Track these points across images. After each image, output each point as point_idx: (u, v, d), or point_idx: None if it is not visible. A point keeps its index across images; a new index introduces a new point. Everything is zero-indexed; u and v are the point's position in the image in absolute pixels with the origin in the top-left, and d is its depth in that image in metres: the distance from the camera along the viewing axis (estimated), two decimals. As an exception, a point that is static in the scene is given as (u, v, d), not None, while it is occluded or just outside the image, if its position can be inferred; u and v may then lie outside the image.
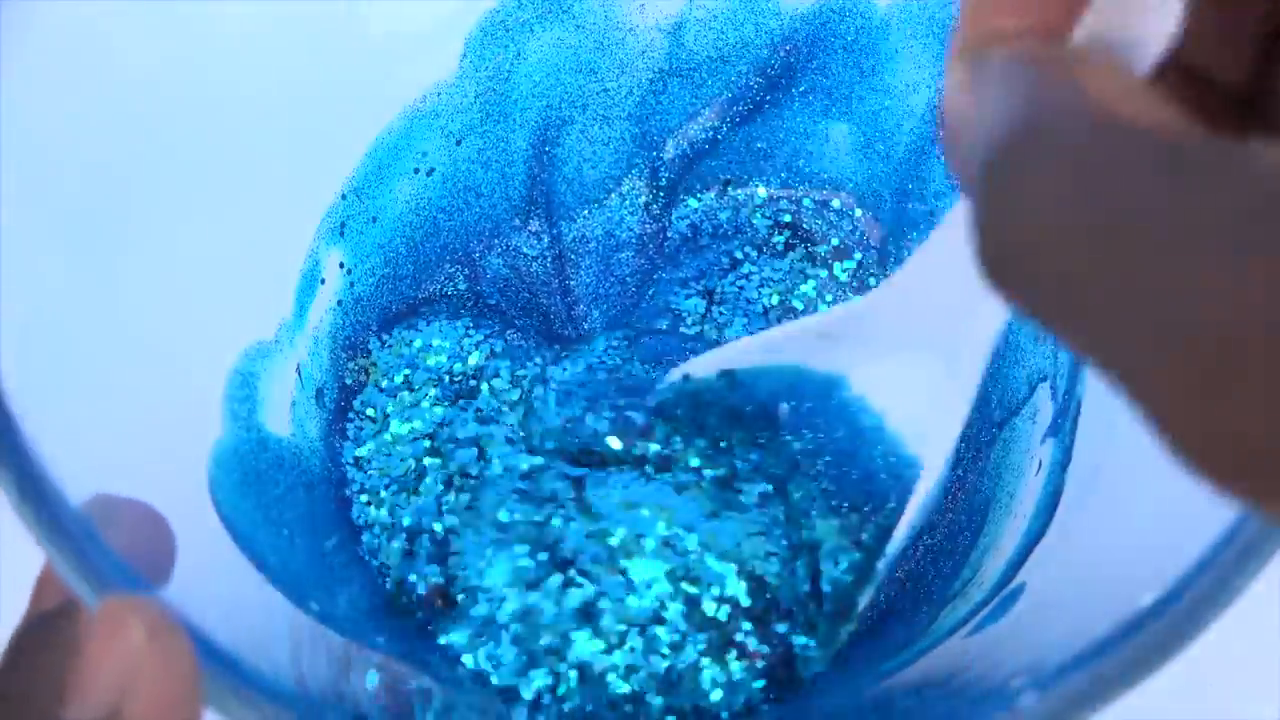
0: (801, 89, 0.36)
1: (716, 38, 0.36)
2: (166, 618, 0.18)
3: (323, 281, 0.33)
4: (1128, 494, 0.26)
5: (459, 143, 0.35)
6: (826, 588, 0.30)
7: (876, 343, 0.28)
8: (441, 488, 0.33)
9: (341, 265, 0.34)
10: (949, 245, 0.24)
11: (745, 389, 0.31)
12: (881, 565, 0.29)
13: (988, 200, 0.16)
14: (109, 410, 0.24)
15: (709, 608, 0.31)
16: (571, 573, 0.31)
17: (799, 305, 0.37)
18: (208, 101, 0.28)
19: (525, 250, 0.37)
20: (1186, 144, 0.14)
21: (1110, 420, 0.28)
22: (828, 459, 0.30)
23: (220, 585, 0.24)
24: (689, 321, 0.37)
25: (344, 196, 0.33)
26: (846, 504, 0.30)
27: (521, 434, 0.34)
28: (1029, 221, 0.15)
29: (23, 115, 0.23)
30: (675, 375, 0.32)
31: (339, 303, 0.34)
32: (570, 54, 0.35)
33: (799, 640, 0.30)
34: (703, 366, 0.31)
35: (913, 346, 0.27)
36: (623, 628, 0.31)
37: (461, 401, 0.35)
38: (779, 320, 0.37)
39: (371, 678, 0.27)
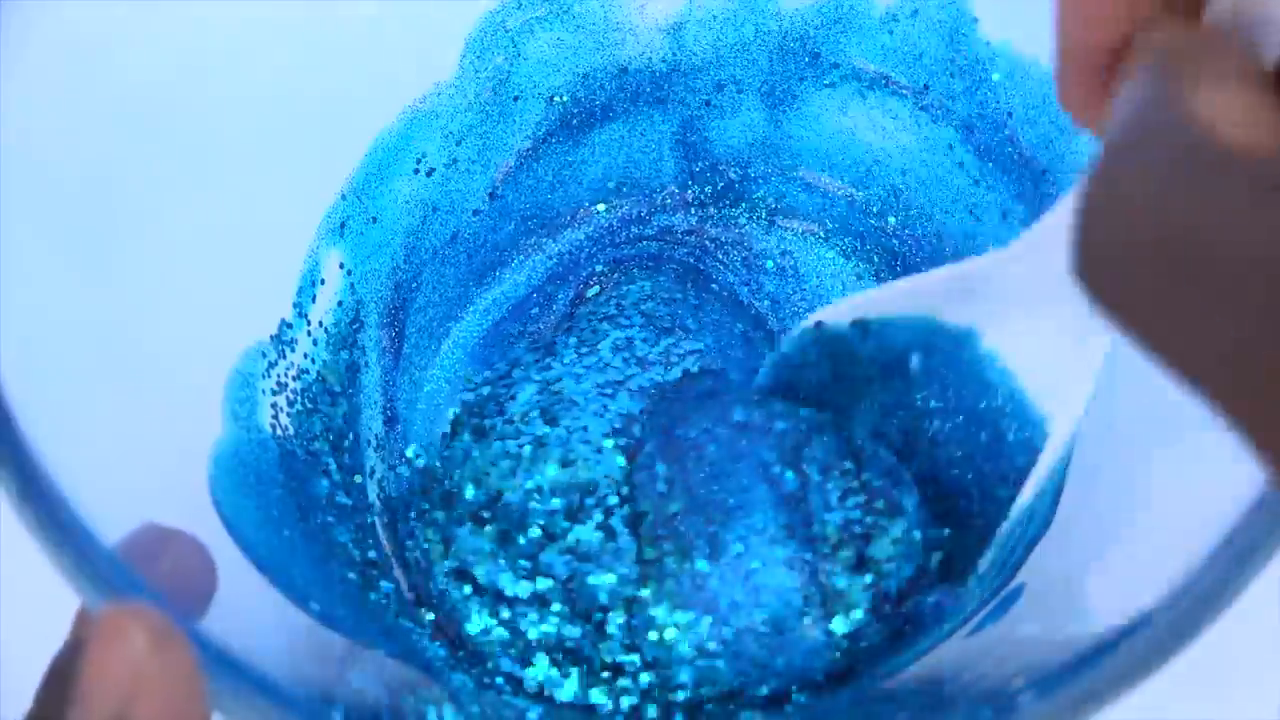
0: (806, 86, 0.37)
1: (716, 38, 0.36)
2: (168, 623, 0.18)
3: (323, 282, 0.33)
4: (1128, 494, 0.26)
5: (459, 143, 0.35)
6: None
7: (1011, 298, 0.27)
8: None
9: (341, 265, 0.34)
10: None
11: (877, 338, 0.30)
12: (1005, 527, 0.28)
13: (1083, 203, 0.16)
14: (109, 410, 0.24)
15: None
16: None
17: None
18: (207, 102, 0.28)
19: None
20: None
21: (1110, 420, 0.29)
22: (959, 419, 0.30)
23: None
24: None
25: (344, 196, 0.33)
26: (973, 467, 0.30)
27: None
28: (1119, 236, 0.15)
29: (23, 116, 0.23)
30: (809, 322, 0.32)
31: (339, 303, 0.34)
32: (570, 54, 0.35)
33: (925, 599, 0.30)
34: (835, 314, 0.31)
35: (1047, 303, 0.26)
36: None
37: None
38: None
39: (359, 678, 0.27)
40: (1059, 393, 0.27)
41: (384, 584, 0.32)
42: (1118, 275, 0.15)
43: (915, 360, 0.30)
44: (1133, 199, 0.15)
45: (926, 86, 0.35)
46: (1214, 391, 0.14)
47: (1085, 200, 0.15)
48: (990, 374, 0.29)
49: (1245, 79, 0.16)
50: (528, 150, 0.36)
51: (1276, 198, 0.14)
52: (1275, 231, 0.13)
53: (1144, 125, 0.15)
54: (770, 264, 0.38)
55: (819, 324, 0.32)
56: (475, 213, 0.36)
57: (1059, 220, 0.25)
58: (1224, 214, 0.14)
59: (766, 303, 0.37)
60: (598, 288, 0.37)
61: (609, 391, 0.35)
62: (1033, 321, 0.27)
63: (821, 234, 0.38)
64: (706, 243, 0.38)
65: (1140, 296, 0.15)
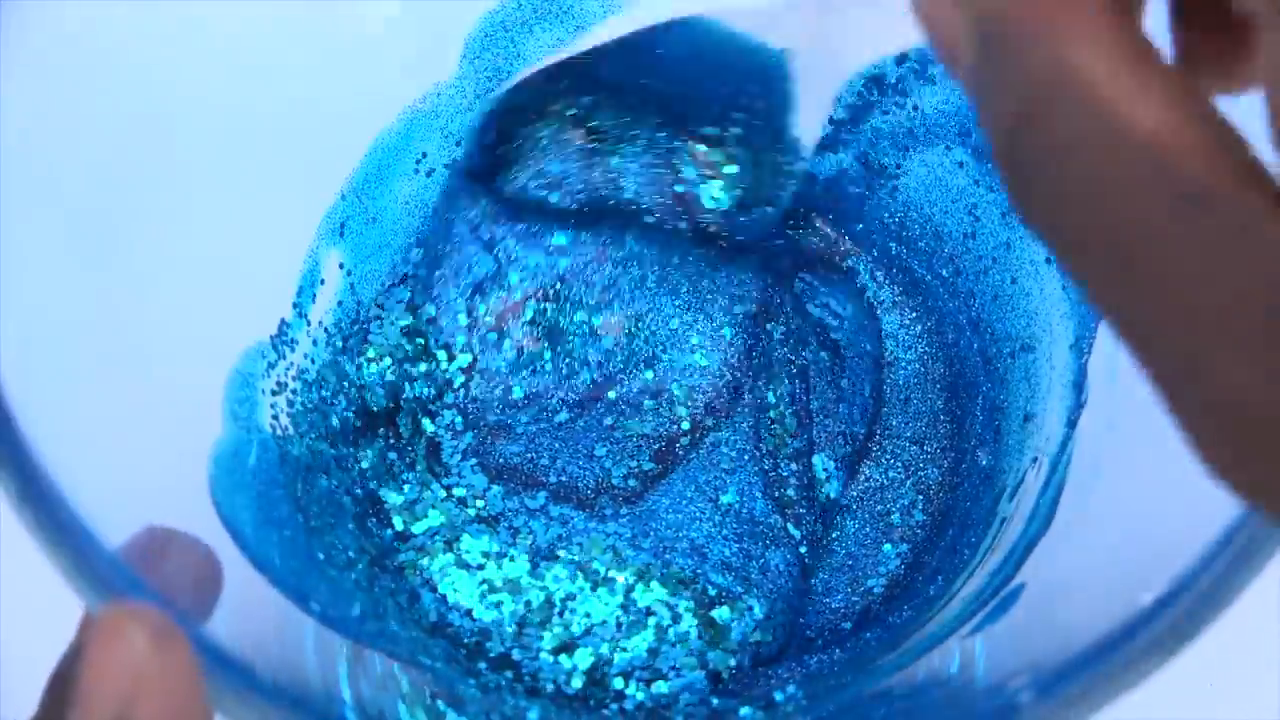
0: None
1: (716, 38, 0.36)
2: (169, 623, 0.18)
3: (323, 282, 0.33)
4: (1128, 494, 0.26)
5: (459, 143, 0.35)
6: None
7: None
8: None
9: (341, 265, 0.34)
10: None
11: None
12: None
13: (1008, 160, 0.15)
14: (109, 411, 0.24)
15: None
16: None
17: None
18: (207, 101, 0.28)
19: None
20: (1212, 194, 0.14)
21: (1110, 420, 0.29)
22: None
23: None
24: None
25: (344, 196, 0.33)
26: None
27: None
28: (1048, 192, 0.15)
29: (23, 116, 0.23)
30: None
31: (339, 303, 0.34)
32: (570, 54, 0.35)
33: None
34: None
35: None
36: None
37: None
38: None
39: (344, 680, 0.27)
40: None
41: (384, 583, 0.32)
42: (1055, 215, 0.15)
43: None
44: (1054, 170, 0.15)
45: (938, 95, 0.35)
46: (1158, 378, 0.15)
47: (1008, 160, 0.15)
48: None
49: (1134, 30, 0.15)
50: (528, 150, 0.36)
51: (1212, 224, 0.14)
52: (1208, 262, 0.14)
53: (1040, 91, 0.15)
54: None
55: None
56: (475, 213, 0.36)
57: None
58: (1151, 219, 0.14)
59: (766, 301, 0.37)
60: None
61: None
62: None
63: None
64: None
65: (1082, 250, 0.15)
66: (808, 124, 0.27)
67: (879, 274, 0.36)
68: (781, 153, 0.28)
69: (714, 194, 0.31)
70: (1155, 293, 0.14)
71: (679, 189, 0.30)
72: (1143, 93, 0.14)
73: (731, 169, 0.30)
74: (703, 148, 0.30)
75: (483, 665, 0.32)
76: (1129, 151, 0.14)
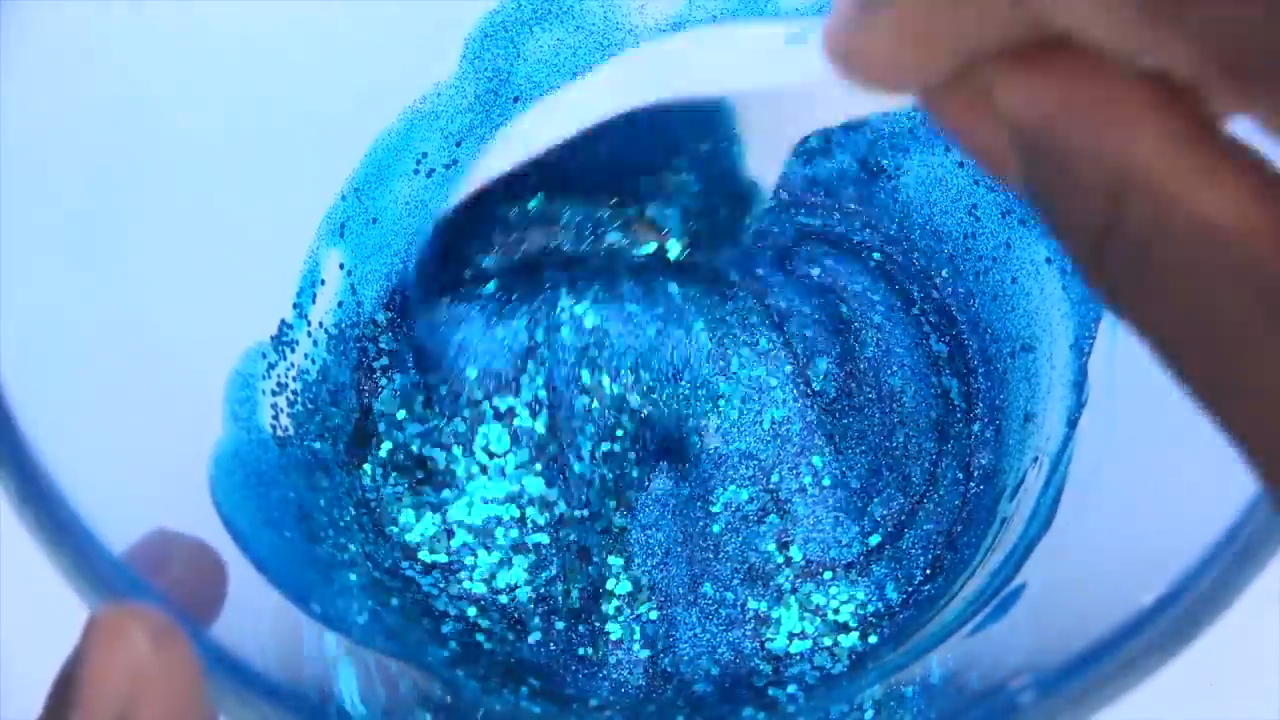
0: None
1: (716, 38, 0.36)
2: (169, 623, 0.18)
3: (323, 282, 0.33)
4: (1128, 494, 0.26)
5: (459, 143, 0.35)
6: None
7: None
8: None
9: (341, 266, 0.34)
10: None
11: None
12: None
13: (1098, 274, 0.15)
14: (110, 411, 0.24)
15: None
16: None
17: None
18: (207, 101, 0.28)
19: None
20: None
21: (1110, 420, 0.29)
22: None
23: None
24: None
25: (344, 197, 0.33)
26: None
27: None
28: (1143, 299, 0.15)
29: (23, 115, 0.23)
30: None
31: (339, 304, 0.34)
32: (570, 54, 0.35)
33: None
34: None
35: None
36: None
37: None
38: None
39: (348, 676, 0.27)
40: None
41: (384, 583, 0.32)
42: None
43: None
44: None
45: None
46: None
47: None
48: None
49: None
50: (528, 150, 0.36)
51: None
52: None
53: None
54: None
55: None
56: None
57: None
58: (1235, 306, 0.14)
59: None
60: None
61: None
62: None
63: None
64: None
65: None
66: (760, 167, 0.27)
67: (878, 275, 0.37)
68: (737, 195, 0.28)
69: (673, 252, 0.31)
70: (1248, 390, 0.14)
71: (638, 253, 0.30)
72: (1213, 183, 0.14)
73: (681, 227, 0.30)
74: (651, 212, 0.30)
75: (483, 665, 0.32)
76: (1213, 248, 0.14)
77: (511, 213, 0.29)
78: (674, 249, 0.29)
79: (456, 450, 0.34)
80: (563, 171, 0.27)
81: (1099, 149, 0.14)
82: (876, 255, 0.36)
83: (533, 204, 0.29)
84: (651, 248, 0.29)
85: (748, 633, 0.33)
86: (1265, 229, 0.13)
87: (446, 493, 0.34)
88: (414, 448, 0.34)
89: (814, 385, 0.35)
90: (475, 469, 0.34)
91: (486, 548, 0.33)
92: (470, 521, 0.33)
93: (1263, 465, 0.14)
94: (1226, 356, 0.14)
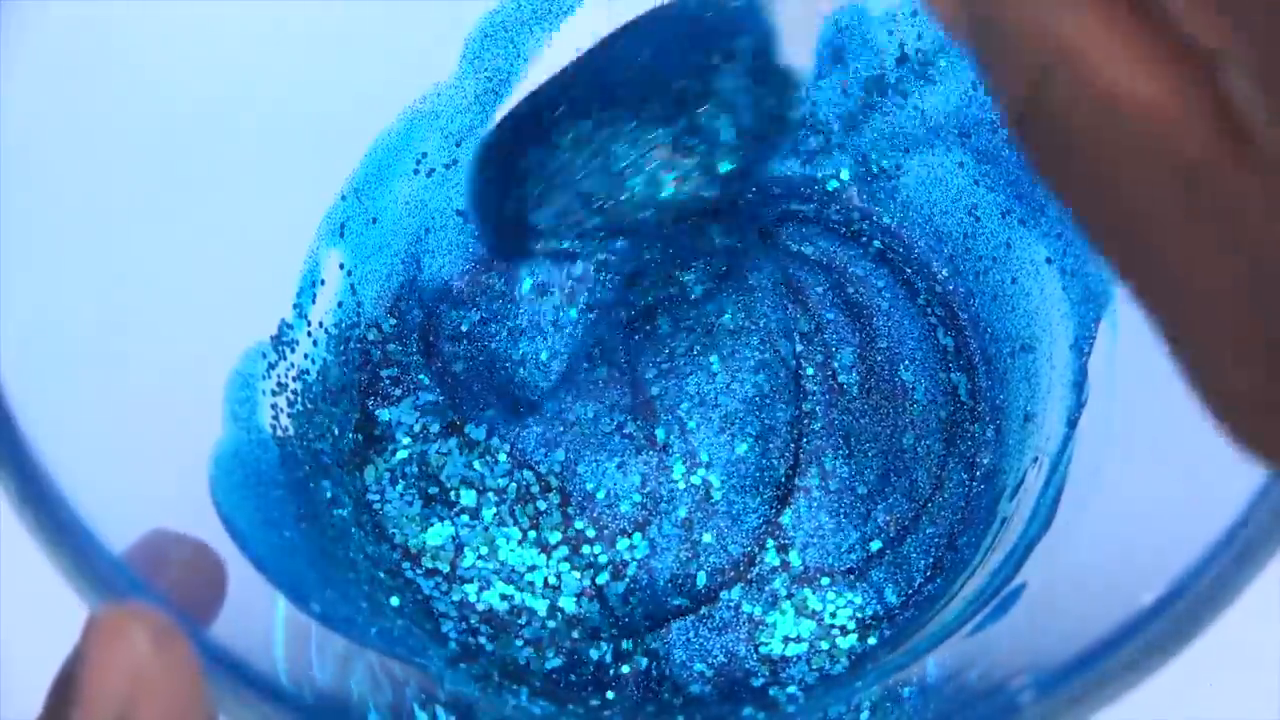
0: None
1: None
2: (169, 623, 0.18)
3: (323, 282, 0.33)
4: (1128, 494, 0.26)
5: (459, 143, 0.35)
6: None
7: None
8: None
9: (341, 266, 0.34)
10: None
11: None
12: None
13: (1021, 137, 0.15)
14: (110, 411, 0.24)
15: None
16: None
17: None
18: (207, 101, 0.28)
19: None
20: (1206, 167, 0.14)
21: (1110, 420, 0.29)
22: None
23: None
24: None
25: (344, 197, 0.33)
26: None
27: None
28: (1063, 168, 0.15)
29: (23, 115, 0.23)
30: None
31: (339, 304, 0.34)
32: (570, 55, 0.35)
33: None
34: None
35: None
36: None
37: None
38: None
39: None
40: None
41: (384, 583, 0.32)
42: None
43: None
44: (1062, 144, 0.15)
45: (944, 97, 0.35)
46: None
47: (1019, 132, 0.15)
48: None
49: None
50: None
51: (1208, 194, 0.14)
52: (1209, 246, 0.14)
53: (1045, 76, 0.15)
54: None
55: None
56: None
57: None
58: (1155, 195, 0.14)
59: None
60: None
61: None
62: None
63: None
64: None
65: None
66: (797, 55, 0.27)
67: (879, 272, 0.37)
68: (780, 82, 0.28)
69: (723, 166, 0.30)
70: (1165, 270, 0.14)
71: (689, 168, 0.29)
72: (1137, 63, 0.14)
73: (734, 130, 0.30)
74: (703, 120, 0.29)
75: (483, 665, 0.32)
76: (1129, 124, 0.14)
77: (562, 139, 0.29)
78: (724, 163, 0.29)
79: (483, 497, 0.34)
80: (602, 85, 0.27)
81: (1029, 18, 0.15)
82: (877, 243, 0.36)
83: (575, 131, 0.29)
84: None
85: (741, 636, 0.33)
86: (1177, 107, 0.14)
87: (465, 517, 0.33)
88: (432, 464, 0.34)
89: (840, 379, 0.35)
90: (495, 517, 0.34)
91: (505, 580, 0.33)
92: (484, 552, 0.33)
93: (1174, 342, 0.15)
94: (1140, 234, 0.14)
